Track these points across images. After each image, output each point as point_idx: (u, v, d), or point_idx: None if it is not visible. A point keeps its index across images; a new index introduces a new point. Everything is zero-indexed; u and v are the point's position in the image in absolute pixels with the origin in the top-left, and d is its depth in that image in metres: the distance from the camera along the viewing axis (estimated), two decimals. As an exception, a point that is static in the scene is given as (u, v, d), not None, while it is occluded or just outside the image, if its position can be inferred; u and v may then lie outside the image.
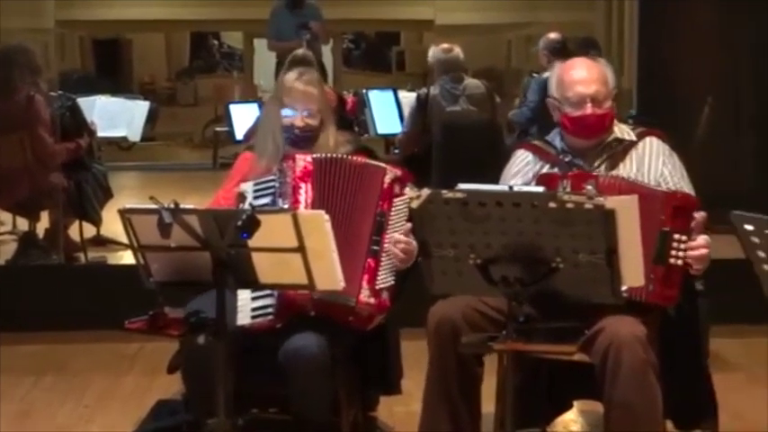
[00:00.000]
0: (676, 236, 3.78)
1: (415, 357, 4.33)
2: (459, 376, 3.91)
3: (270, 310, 3.89)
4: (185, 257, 3.47)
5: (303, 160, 4.05)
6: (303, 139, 4.21)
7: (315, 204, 3.94)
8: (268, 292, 3.86)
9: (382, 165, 4.12)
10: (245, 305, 3.87)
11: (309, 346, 3.84)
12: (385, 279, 3.99)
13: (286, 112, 4.22)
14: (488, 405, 4.04)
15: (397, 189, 4.04)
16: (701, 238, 3.79)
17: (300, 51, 8.27)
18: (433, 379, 3.94)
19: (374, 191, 4.04)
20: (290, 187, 4.01)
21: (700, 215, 3.82)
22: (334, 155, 4.10)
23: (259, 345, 3.90)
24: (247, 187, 4.06)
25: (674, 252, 3.77)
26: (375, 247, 3.99)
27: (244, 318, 3.87)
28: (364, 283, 3.95)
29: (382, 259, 3.99)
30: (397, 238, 3.95)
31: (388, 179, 4.05)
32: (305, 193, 4.00)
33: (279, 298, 3.88)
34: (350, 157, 4.11)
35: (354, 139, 4.47)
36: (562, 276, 3.32)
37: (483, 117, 8.22)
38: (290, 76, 4.30)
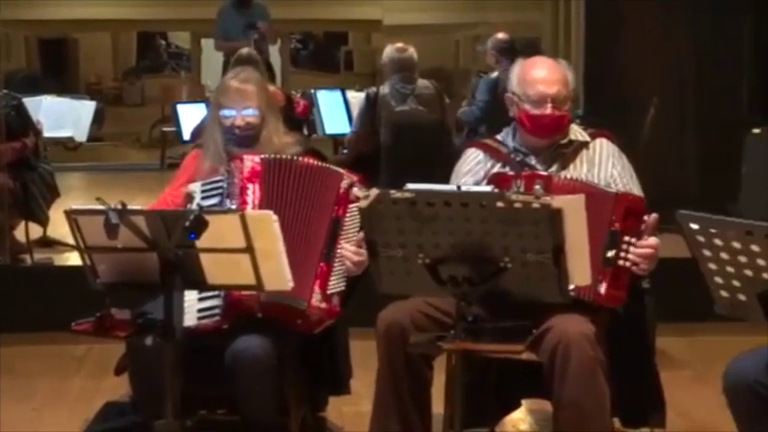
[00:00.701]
0: (626, 237, 3.81)
1: (363, 357, 4.33)
2: (409, 379, 3.91)
3: (216, 310, 3.88)
4: (132, 258, 3.45)
5: (251, 161, 4.03)
6: (245, 138, 4.18)
7: (262, 205, 3.93)
8: (215, 292, 3.85)
9: (339, 170, 4.10)
10: (192, 306, 3.85)
11: (255, 346, 3.83)
12: (336, 284, 3.99)
13: (225, 112, 4.19)
14: (438, 405, 4.05)
15: (352, 195, 4.02)
16: (651, 239, 3.82)
17: (245, 50, 8.26)
18: (383, 381, 3.94)
19: (330, 196, 4.04)
20: (238, 188, 3.99)
21: (652, 217, 3.84)
22: (284, 156, 4.09)
23: (206, 346, 3.89)
24: (195, 188, 4.04)
25: (622, 253, 3.80)
26: (328, 252, 3.99)
27: (190, 318, 3.84)
28: (316, 288, 3.96)
29: (335, 264, 3.99)
30: (348, 247, 3.95)
31: (344, 185, 4.04)
32: (252, 193, 3.99)
33: (225, 299, 3.87)
34: (300, 158, 4.09)
35: (303, 141, 4.45)
36: (510, 276, 3.33)
37: (432, 117, 8.24)
38: (227, 77, 4.31)
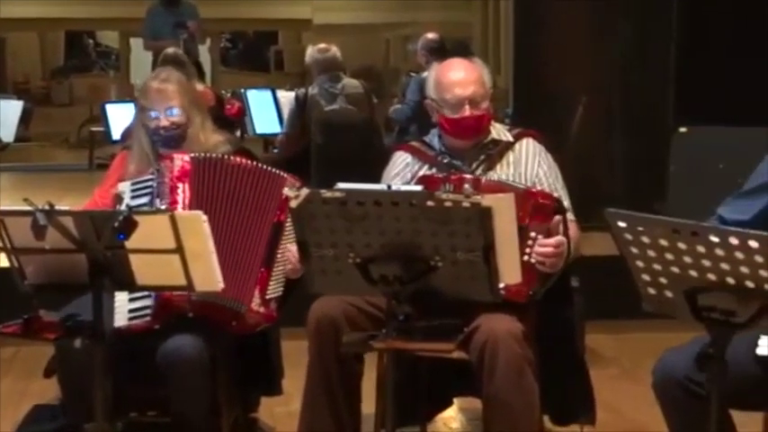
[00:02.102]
0: (532, 233, 3.82)
1: (295, 357, 4.32)
2: (340, 374, 3.92)
3: (147, 311, 3.85)
4: (61, 260, 3.41)
5: (181, 159, 4.01)
6: (172, 138, 4.14)
7: (193, 205, 3.91)
8: (146, 293, 3.83)
9: (282, 174, 4.08)
10: (123, 306, 3.83)
11: (187, 345, 3.82)
12: (275, 289, 4.00)
13: (149, 114, 4.15)
14: (369, 404, 4.06)
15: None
16: (554, 239, 3.83)
17: (171, 50, 8.20)
18: (313, 377, 3.94)
19: (272, 200, 4.02)
20: (168, 187, 3.97)
21: (557, 218, 3.86)
22: (214, 155, 4.06)
23: (137, 347, 3.86)
24: (124, 188, 4.01)
25: (527, 249, 3.81)
26: (269, 257, 3.99)
27: (121, 319, 3.82)
28: (256, 292, 3.96)
29: (275, 269, 3.99)
30: (292, 249, 3.91)
31: (286, 191, 4.00)
32: (182, 193, 3.96)
33: (156, 299, 3.85)
34: (232, 158, 4.07)
35: (234, 140, 4.42)
36: (441, 274, 3.34)
37: (361, 116, 8.25)
38: (147, 78, 4.27)
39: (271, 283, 3.99)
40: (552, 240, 3.81)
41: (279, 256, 3.99)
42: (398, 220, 3.28)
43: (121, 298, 3.82)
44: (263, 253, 3.99)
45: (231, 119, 8.36)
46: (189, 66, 7.92)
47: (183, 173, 3.99)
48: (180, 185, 3.97)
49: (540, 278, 3.84)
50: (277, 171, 4.11)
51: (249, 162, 4.08)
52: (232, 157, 4.07)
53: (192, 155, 4.03)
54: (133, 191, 3.99)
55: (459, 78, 4.09)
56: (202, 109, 4.31)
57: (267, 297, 3.98)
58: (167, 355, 3.82)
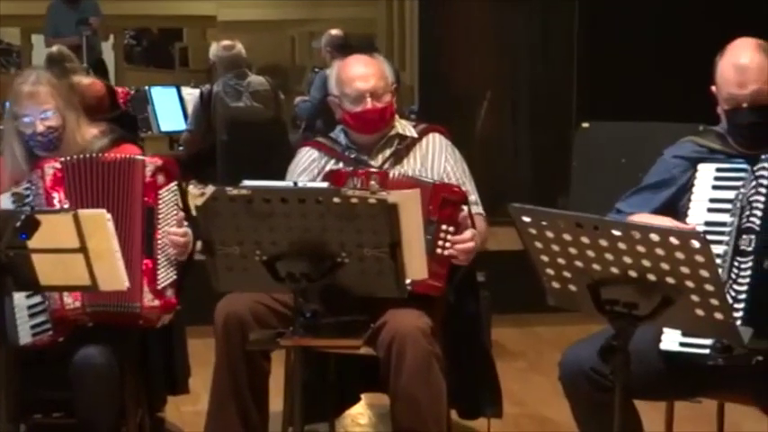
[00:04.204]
0: (443, 226, 3.85)
1: (201, 356, 4.30)
2: (248, 373, 3.91)
3: (48, 325, 3.78)
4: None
5: (52, 168, 3.88)
6: (50, 142, 3.96)
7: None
8: (40, 308, 3.77)
9: (139, 157, 3.95)
10: (24, 323, 3.75)
11: (96, 356, 3.73)
12: (166, 276, 3.88)
13: (24, 120, 3.97)
14: (277, 402, 4.05)
15: (161, 180, 3.90)
16: (468, 232, 3.87)
17: (55, 49, 8.05)
18: (220, 376, 3.93)
19: (136, 186, 3.89)
20: (44, 198, 3.86)
21: (467, 209, 3.90)
22: (84, 155, 3.93)
23: (43, 352, 3.80)
24: (4, 201, 3.89)
25: (440, 242, 3.84)
26: (149, 246, 3.87)
27: (24, 336, 3.76)
28: (145, 286, 3.83)
29: (159, 256, 3.88)
30: (171, 231, 3.86)
31: (149, 171, 3.90)
32: (59, 202, 3.86)
33: (51, 315, 3.78)
34: (100, 155, 3.94)
35: (111, 130, 4.22)
36: (348, 271, 3.35)
37: (267, 114, 8.23)
38: (17, 82, 4.04)
39: (159, 271, 3.87)
40: (468, 234, 3.85)
41: (159, 242, 3.88)
42: (305, 216, 3.27)
43: (22, 315, 3.75)
44: (141, 244, 3.86)
45: (126, 111, 8.21)
46: (75, 59, 7.79)
47: (55, 181, 3.86)
48: (55, 195, 3.86)
49: (451, 271, 3.87)
50: (133, 156, 3.95)
51: (115, 155, 3.95)
52: (100, 154, 3.96)
53: (62, 159, 3.91)
54: (13, 203, 3.88)
55: (360, 73, 4.11)
56: (76, 106, 4.12)
57: (159, 287, 3.86)
58: (78, 367, 3.72)
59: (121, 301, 3.78)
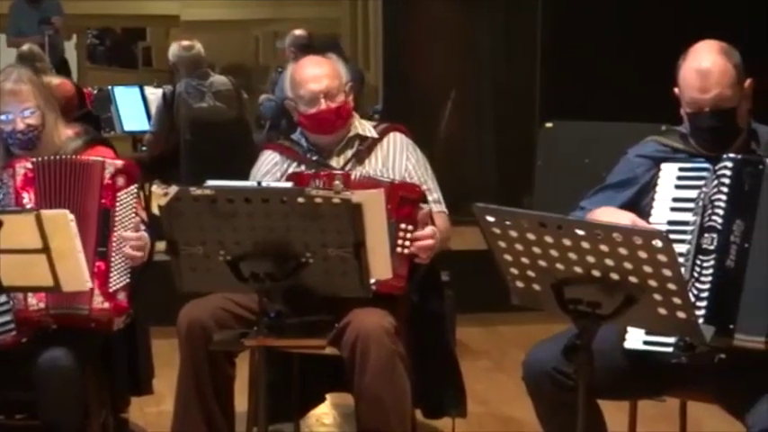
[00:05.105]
0: (402, 225, 3.85)
1: (165, 356, 4.29)
2: (212, 376, 3.90)
3: (11, 326, 3.75)
4: None
5: (23, 167, 3.85)
6: (29, 140, 3.93)
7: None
8: (5, 308, 3.73)
9: (99, 159, 3.92)
10: None
11: (60, 358, 3.70)
12: (119, 279, 3.84)
13: (3, 117, 3.93)
14: (242, 402, 4.04)
15: (120, 182, 3.87)
16: (428, 229, 3.88)
17: (26, 47, 8.02)
18: (185, 380, 3.91)
19: (94, 186, 3.86)
20: (13, 198, 3.83)
21: (426, 208, 3.90)
22: (55, 156, 3.91)
23: (6, 353, 3.78)
24: None
25: (400, 241, 3.84)
26: (103, 248, 3.82)
27: None
28: (96, 289, 3.77)
29: (112, 259, 3.83)
30: (126, 236, 3.82)
31: (108, 173, 3.87)
32: (29, 202, 3.83)
33: (15, 315, 3.75)
34: (72, 156, 3.91)
35: (86, 131, 4.21)
36: (312, 271, 3.35)
37: (230, 113, 8.20)
38: None
39: (112, 274, 3.82)
40: (428, 231, 3.86)
41: (114, 244, 3.83)
42: (269, 216, 3.27)
43: None
44: (95, 246, 3.81)
45: (91, 111, 8.18)
46: (45, 59, 7.76)
47: (26, 181, 3.83)
48: (25, 195, 3.82)
49: (413, 270, 3.88)
50: (95, 158, 3.92)
51: (83, 157, 3.92)
52: (72, 156, 3.94)
53: (34, 159, 3.88)
54: None
55: (313, 74, 4.12)
56: (55, 106, 4.13)
57: (111, 290, 3.82)
58: (41, 369, 3.69)
59: (72, 303, 3.75)
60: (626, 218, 3.35)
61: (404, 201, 3.86)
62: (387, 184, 3.90)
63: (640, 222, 3.32)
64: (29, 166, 3.87)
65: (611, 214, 3.41)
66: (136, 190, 3.89)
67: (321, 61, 4.20)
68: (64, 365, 3.70)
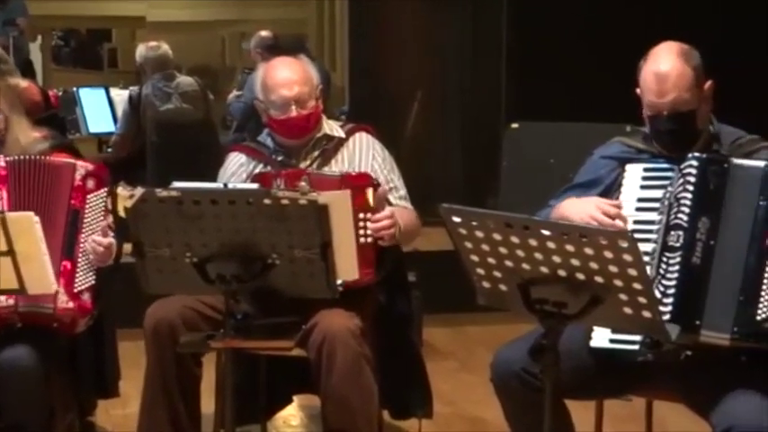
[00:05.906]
0: (360, 215, 3.84)
1: (132, 358, 4.28)
2: (179, 377, 3.89)
3: None
4: None
5: None
6: None
7: (11, 209, 3.77)
8: None
9: (71, 161, 3.93)
10: None
11: (23, 357, 3.69)
12: (84, 280, 3.83)
13: None
14: (209, 404, 4.03)
15: (90, 185, 3.88)
16: (386, 210, 3.87)
17: None
18: (151, 381, 3.90)
19: (64, 187, 3.86)
20: None
21: (381, 189, 3.89)
22: (29, 156, 3.90)
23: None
24: None
25: (361, 231, 3.84)
26: (70, 249, 3.82)
27: None
28: (61, 288, 3.77)
29: (79, 260, 3.84)
30: (94, 239, 3.82)
31: (78, 175, 3.88)
32: (2, 200, 3.82)
33: None
34: (44, 156, 3.90)
35: (53, 136, 4.21)
36: (279, 272, 3.35)
37: (197, 115, 8.17)
38: None
39: (77, 274, 3.82)
40: (384, 212, 3.84)
41: (81, 245, 3.83)
42: (235, 218, 3.27)
43: None
44: (62, 245, 3.81)
45: (57, 113, 8.13)
46: (9, 61, 7.70)
47: None
48: None
49: (381, 256, 3.87)
50: (67, 159, 3.93)
51: (56, 159, 3.92)
52: (44, 156, 3.93)
53: (7, 158, 3.88)
54: None
55: (284, 79, 4.08)
56: (20, 108, 4.12)
57: (76, 290, 3.81)
58: (3, 368, 3.69)
59: (36, 302, 3.73)
60: (591, 203, 3.37)
61: (356, 190, 3.84)
62: (336, 178, 3.89)
63: (604, 205, 3.35)
64: (2, 164, 3.85)
65: (575, 203, 3.43)
66: (105, 194, 3.89)
67: (293, 64, 4.16)
68: (26, 365, 3.68)
